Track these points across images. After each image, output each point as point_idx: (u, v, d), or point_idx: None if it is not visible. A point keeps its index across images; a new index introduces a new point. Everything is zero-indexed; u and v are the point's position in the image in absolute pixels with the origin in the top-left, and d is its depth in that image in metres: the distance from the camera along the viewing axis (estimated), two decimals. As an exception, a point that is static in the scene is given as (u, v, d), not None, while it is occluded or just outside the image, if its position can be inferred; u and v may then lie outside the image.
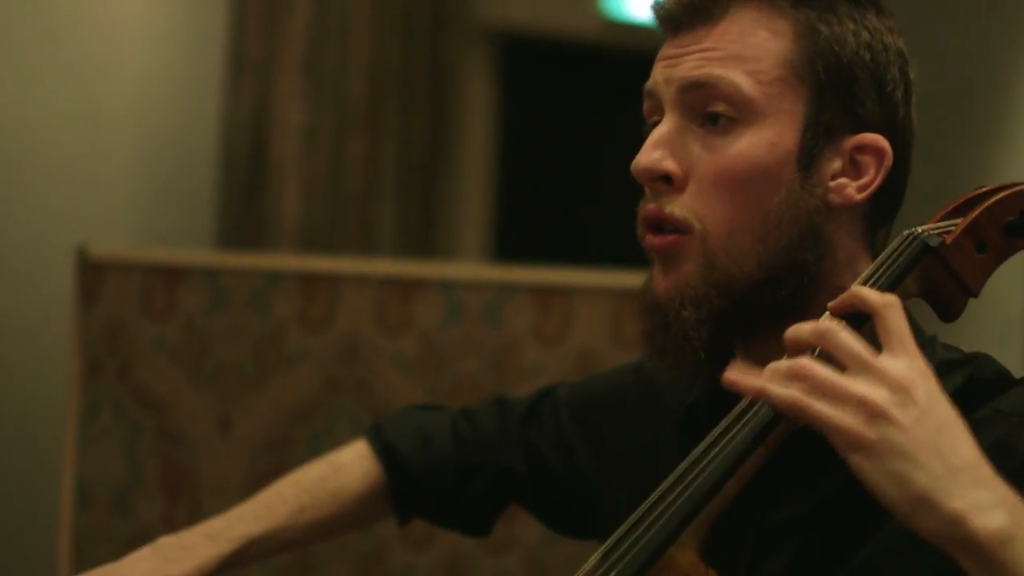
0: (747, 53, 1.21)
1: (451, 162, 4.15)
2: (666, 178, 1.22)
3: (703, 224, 1.20)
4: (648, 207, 1.23)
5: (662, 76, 1.24)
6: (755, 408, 1.11)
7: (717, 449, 1.11)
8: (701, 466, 1.11)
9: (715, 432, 1.12)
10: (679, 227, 1.21)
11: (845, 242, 1.23)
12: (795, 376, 1.04)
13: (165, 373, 2.30)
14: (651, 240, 1.24)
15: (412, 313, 2.34)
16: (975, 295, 1.17)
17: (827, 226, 1.21)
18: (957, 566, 1.03)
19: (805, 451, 1.18)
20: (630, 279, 2.39)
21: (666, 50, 1.25)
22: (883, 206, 1.24)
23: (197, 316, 2.31)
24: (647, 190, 1.24)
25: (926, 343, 1.23)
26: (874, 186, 1.22)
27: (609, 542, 1.13)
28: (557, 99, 4.44)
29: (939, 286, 1.16)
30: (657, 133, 1.23)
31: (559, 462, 1.50)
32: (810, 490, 1.20)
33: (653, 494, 1.13)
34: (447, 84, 4.10)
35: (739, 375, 1.08)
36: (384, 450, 1.53)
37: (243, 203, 3.88)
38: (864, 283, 1.15)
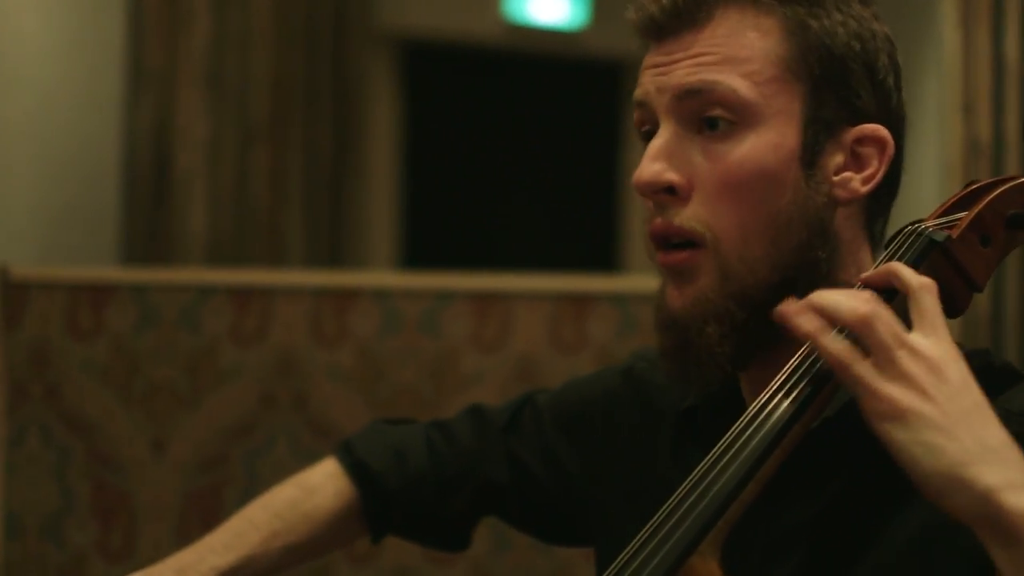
0: (740, 55, 1.18)
1: (357, 170, 4.10)
2: (670, 189, 1.19)
3: (714, 233, 1.17)
4: (655, 222, 1.20)
5: (653, 85, 1.20)
6: (770, 408, 1.09)
7: (734, 451, 1.08)
8: (718, 470, 1.08)
9: (730, 435, 1.10)
10: (690, 239, 1.18)
11: (849, 235, 1.21)
12: (860, 324, 1.03)
13: (94, 395, 2.23)
14: (663, 257, 1.20)
15: (347, 324, 2.30)
16: (980, 290, 1.16)
17: (834, 221, 1.20)
18: (966, 572, 1.02)
19: (812, 455, 1.16)
20: (568, 283, 2.38)
21: (653, 58, 1.21)
22: (882, 196, 1.23)
23: (125, 335, 2.24)
24: (650, 204, 1.20)
25: None
26: (879, 177, 1.20)
27: (627, 551, 1.10)
28: (461, 104, 4.42)
29: (945, 281, 1.15)
30: (655, 144, 1.19)
31: (544, 470, 1.46)
32: (817, 495, 1.18)
33: (668, 501, 1.10)
34: (351, 92, 4.06)
35: (794, 311, 1.05)
36: (356, 469, 1.48)
37: (148, 217, 3.81)
38: None
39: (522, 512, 1.50)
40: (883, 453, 1.05)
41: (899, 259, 1.13)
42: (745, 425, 1.09)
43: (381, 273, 2.88)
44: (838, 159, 1.20)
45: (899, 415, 1.00)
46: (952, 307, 1.16)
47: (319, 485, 1.48)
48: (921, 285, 1.06)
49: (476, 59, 4.35)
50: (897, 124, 1.23)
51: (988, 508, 0.98)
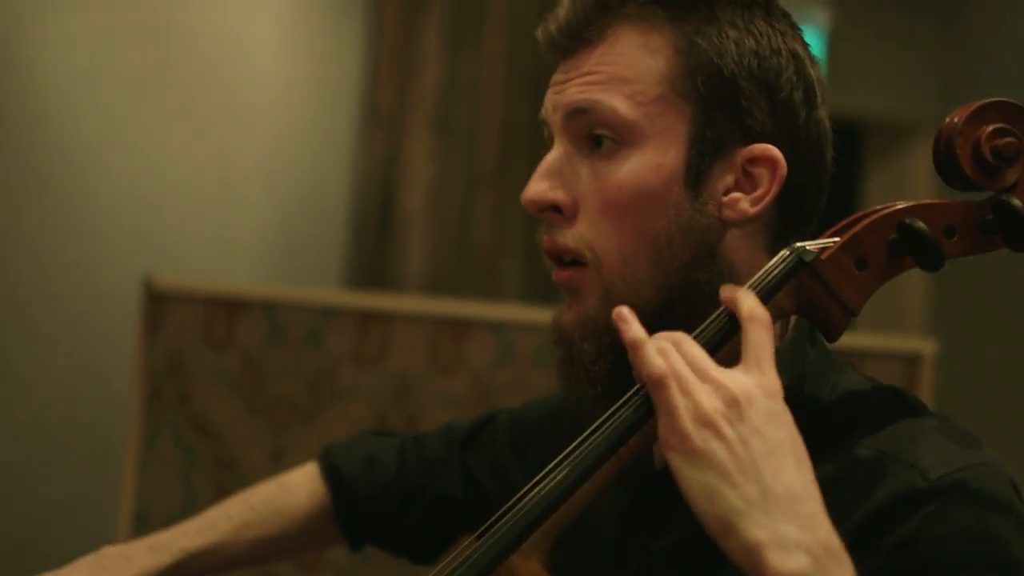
0: (626, 75, 1.18)
1: (579, 216, 4.16)
2: (555, 208, 1.19)
3: (595, 254, 1.17)
4: (543, 239, 1.21)
5: (551, 103, 1.22)
6: (613, 418, 1.10)
7: (570, 458, 1.10)
8: (553, 474, 1.10)
9: (576, 442, 1.11)
10: (574, 258, 1.19)
11: (745, 256, 1.19)
12: (663, 352, 1.03)
13: (222, 403, 2.37)
14: (555, 274, 1.22)
15: (463, 353, 2.37)
16: (854, 314, 1.13)
17: (723, 243, 1.18)
18: None
19: None
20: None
21: (555, 76, 1.23)
22: (788, 215, 1.20)
23: (254, 348, 2.37)
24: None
25: (829, 369, 1.20)
26: (768, 198, 1.17)
27: (456, 551, 1.13)
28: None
29: (816, 303, 1.12)
30: (545, 162, 1.21)
31: (495, 487, 1.49)
32: (688, 519, 1.18)
33: (510, 502, 1.13)
34: (575, 140, 4.13)
35: (628, 318, 1.06)
36: (330, 472, 1.55)
37: (371, 252, 3.97)
38: None
39: (476, 526, 1.54)
40: None
41: (768, 277, 1.12)
42: (590, 432, 1.10)
43: (496, 305, 2.93)
44: (728, 179, 1.18)
45: (687, 451, 1.00)
46: (827, 330, 1.14)
47: (296, 485, 1.55)
48: (750, 316, 1.05)
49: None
50: (806, 141, 1.19)
51: (753, 563, 0.96)
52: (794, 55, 1.20)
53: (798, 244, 1.13)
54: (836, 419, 1.15)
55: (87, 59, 3.51)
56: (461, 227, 4.00)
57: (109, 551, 1.44)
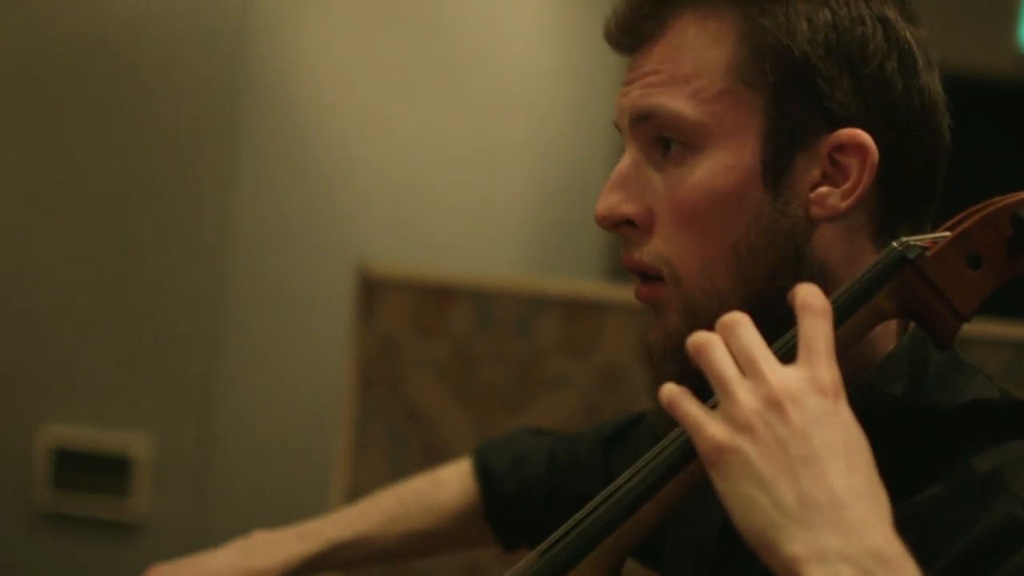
0: (687, 71, 1.07)
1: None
2: (629, 222, 1.11)
3: (672, 268, 1.09)
4: (623, 257, 1.13)
5: (618, 108, 1.13)
6: (678, 433, 1.02)
7: (636, 472, 1.02)
8: (616, 488, 1.03)
9: (648, 454, 1.03)
10: (654, 274, 1.11)
11: (843, 254, 1.07)
12: (694, 353, 0.94)
13: (432, 390, 2.36)
14: (637, 290, 1.13)
15: (674, 344, 2.29)
16: (965, 319, 1.00)
17: (811, 244, 1.07)
18: None
19: None
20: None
21: (624, 76, 1.14)
22: (895, 200, 1.07)
23: (464, 336, 2.36)
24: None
25: (956, 376, 1.08)
26: (860, 190, 1.06)
27: (514, 568, 1.08)
28: (970, 138, 4.20)
29: (922, 306, 1.00)
30: (615, 173, 1.12)
31: None
32: None
33: (576, 515, 1.06)
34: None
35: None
36: (481, 470, 1.52)
37: (631, 237, 3.91)
38: (836, 297, 1.00)
39: None
40: None
41: (867, 276, 1.01)
42: (662, 444, 1.03)
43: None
44: (814, 173, 1.06)
45: (719, 458, 0.89)
46: (935, 336, 1.02)
47: (448, 480, 1.53)
48: (803, 305, 0.94)
49: (986, 92, 4.12)
50: (908, 115, 1.07)
51: None
52: (882, 20, 1.07)
53: (905, 238, 1.01)
54: (953, 432, 1.03)
55: (349, 48, 3.56)
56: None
57: (259, 536, 1.45)
